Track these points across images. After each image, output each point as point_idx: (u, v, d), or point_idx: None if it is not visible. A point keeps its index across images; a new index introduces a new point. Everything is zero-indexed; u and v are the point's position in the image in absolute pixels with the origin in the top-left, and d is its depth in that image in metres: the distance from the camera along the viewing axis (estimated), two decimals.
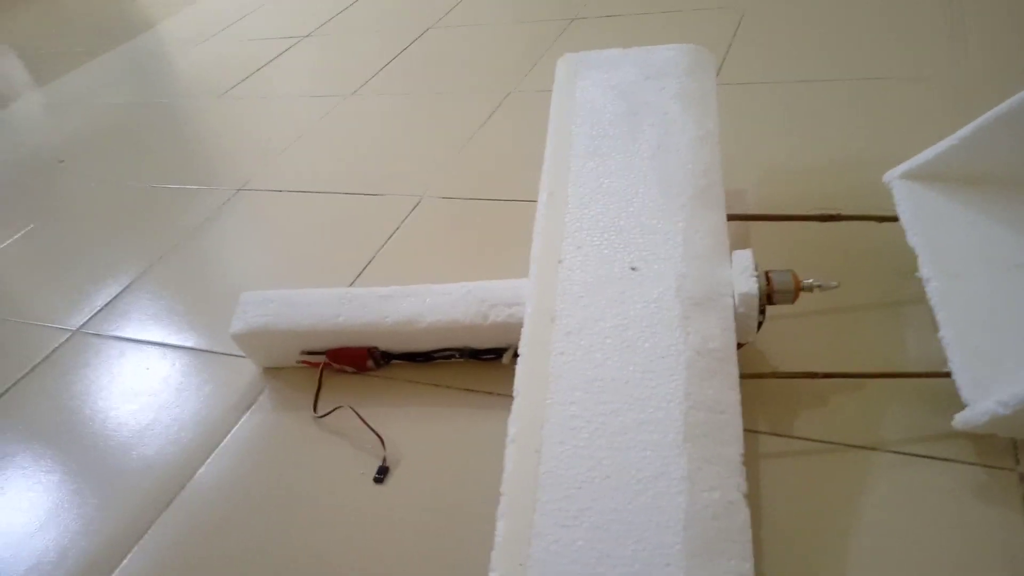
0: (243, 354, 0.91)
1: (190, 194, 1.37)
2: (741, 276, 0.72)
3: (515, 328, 0.74)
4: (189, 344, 0.99)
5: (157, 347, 1.00)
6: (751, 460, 0.67)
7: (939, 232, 0.75)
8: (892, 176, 0.83)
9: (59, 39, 2.56)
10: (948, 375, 0.65)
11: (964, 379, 0.63)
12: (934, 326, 0.68)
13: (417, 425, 0.79)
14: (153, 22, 2.43)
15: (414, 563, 0.66)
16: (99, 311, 1.10)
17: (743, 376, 0.66)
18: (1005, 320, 0.67)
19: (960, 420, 0.62)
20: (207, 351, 0.97)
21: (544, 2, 1.82)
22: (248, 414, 0.85)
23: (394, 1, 2.08)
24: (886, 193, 0.82)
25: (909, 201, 0.79)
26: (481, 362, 0.83)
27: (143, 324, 1.05)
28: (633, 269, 0.75)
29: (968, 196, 0.78)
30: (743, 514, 0.56)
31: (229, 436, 0.83)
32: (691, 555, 0.54)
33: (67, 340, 1.05)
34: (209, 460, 0.81)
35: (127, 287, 1.14)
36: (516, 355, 0.70)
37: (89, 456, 0.85)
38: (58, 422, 0.91)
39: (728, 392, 0.64)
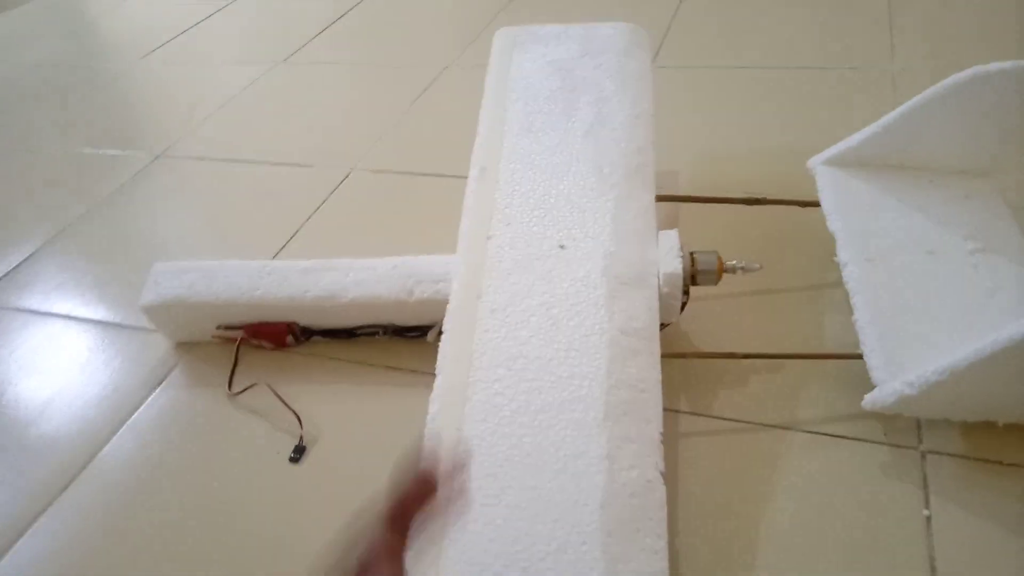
0: (154, 328, 0.86)
1: (105, 159, 1.29)
2: (666, 256, 0.72)
3: (441, 305, 0.73)
4: (97, 317, 0.94)
5: (62, 319, 0.94)
6: (671, 439, 0.68)
7: (859, 217, 0.76)
8: (815, 162, 0.84)
9: None
10: (861, 357, 0.66)
11: (875, 360, 0.65)
12: (851, 309, 0.69)
13: (337, 403, 0.77)
14: None
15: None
16: None
17: (665, 355, 0.66)
18: (917, 304, 0.69)
19: (869, 400, 0.63)
20: (117, 324, 0.92)
21: None
22: (158, 390, 0.81)
23: None
24: (811, 179, 0.83)
25: (831, 187, 0.80)
26: (405, 340, 0.81)
27: (47, 295, 0.99)
28: (561, 247, 0.74)
29: (889, 182, 0.80)
30: (660, 492, 0.57)
31: (137, 413, 0.79)
32: (608, 533, 0.54)
33: None
34: (115, 438, 0.77)
35: (31, 255, 1.07)
36: (441, 333, 0.69)
37: None
38: None
39: (650, 371, 0.65)
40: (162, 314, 0.83)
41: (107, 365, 0.86)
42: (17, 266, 1.05)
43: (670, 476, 0.59)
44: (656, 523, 0.55)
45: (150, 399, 0.81)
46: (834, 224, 0.76)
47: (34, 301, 0.98)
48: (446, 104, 1.30)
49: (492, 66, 0.98)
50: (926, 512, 0.59)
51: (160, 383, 0.82)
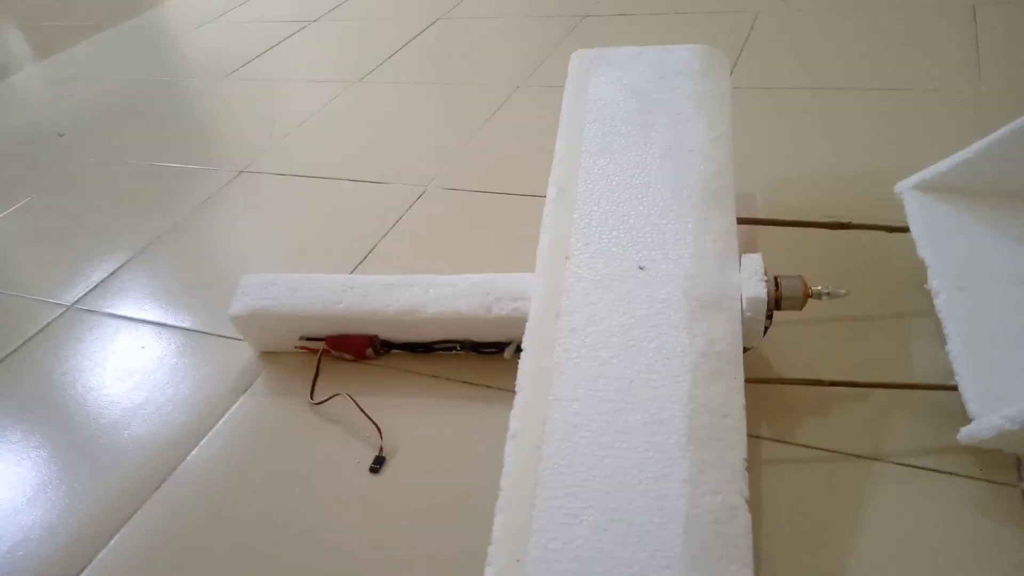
0: (241, 337, 0.90)
1: (191, 174, 1.35)
2: (750, 280, 0.71)
3: (518, 323, 0.74)
4: (185, 325, 0.98)
5: (153, 326, 0.99)
6: (753, 465, 0.66)
7: (949, 245, 0.74)
8: (904, 187, 0.82)
9: (64, 12, 2.54)
10: (955, 388, 0.64)
11: (971, 393, 0.63)
12: (942, 339, 0.67)
13: (415, 416, 0.78)
14: (159, 0, 2.41)
15: (408, 555, 0.65)
16: (95, 287, 1.08)
17: (748, 381, 0.65)
18: (1013, 335, 0.66)
19: (966, 434, 0.61)
20: (204, 332, 0.96)
21: None
22: (243, 398, 0.84)
23: None
24: (897, 204, 0.81)
25: (920, 212, 0.78)
26: (482, 356, 0.82)
27: (139, 302, 1.04)
28: (641, 268, 0.74)
29: (980, 209, 0.78)
30: (744, 519, 0.56)
31: (223, 419, 0.82)
32: (691, 558, 0.53)
33: (61, 315, 1.04)
34: (202, 443, 0.80)
35: (124, 264, 1.13)
36: (518, 350, 0.70)
37: (79, 433, 0.84)
38: (49, 398, 0.90)
39: (733, 396, 0.64)
40: (249, 324, 0.86)
41: (194, 371, 0.90)
42: (111, 274, 1.11)
43: (753, 504, 0.58)
44: (741, 551, 0.54)
45: (236, 405, 0.83)
46: (924, 251, 0.74)
47: (127, 308, 1.03)
48: (518, 124, 1.32)
49: (568, 88, 0.99)
50: None
51: (245, 391, 0.85)
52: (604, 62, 1.01)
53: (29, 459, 0.82)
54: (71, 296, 1.07)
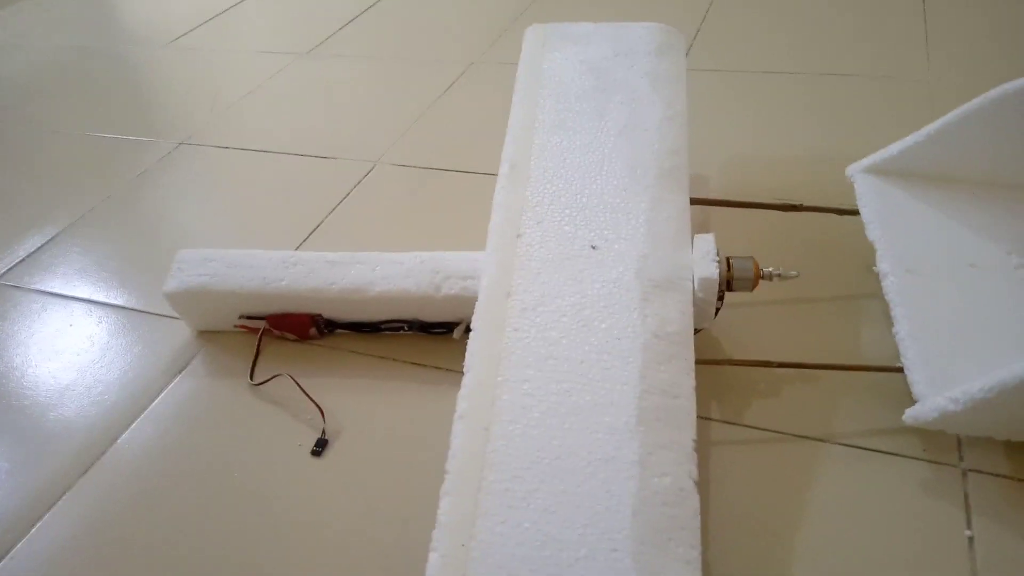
0: (177, 315, 0.85)
1: (128, 145, 1.29)
2: (702, 260, 0.71)
3: (468, 302, 0.72)
4: (119, 302, 0.93)
5: (83, 303, 0.94)
6: (703, 447, 0.66)
7: (899, 227, 0.75)
8: (855, 170, 0.83)
9: None
10: (901, 370, 0.65)
11: (916, 375, 0.63)
12: (890, 321, 0.68)
13: (360, 397, 0.75)
14: None
15: (351, 541, 0.63)
16: (20, 261, 1.02)
17: (699, 362, 0.64)
18: (959, 318, 0.67)
19: (910, 415, 0.62)
20: (138, 310, 0.91)
21: None
22: (179, 378, 0.80)
23: None
24: (848, 187, 0.82)
25: (870, 195, 0.79)
26: (430, 336, 0.80)
27: (69, 278, 0.98)
28: (593, 248, 0.73)
29: (930, 193, 0.78)
30: (693, 501, 0.55)
31: (157, 400, 0.78)
32: (639, 541, 0.52)
33: None
34: (134, 425, 0.76)
35: (53, 238, 1.06)
36: (468, 330, 0.68)
37: (2, 417, 0.79)
38: None
39: (683, 377, 0.63)
40: (185, 301, 0.82)
41: (128, 351, 0.85)
42: (39, 248, 1.05)
43: (701, 485, 0.57)
44: (689, 533, 0.54)
45: (171, 387, 0.80)
46: (874, 233, 0.74)
47: (55, 284, 0.98)
48: (471, 100, 1.29)
49: (523, 63, 0.97)
50: (968, 533, 0.58)
51: (181, 371, 0.81)
52: (560, 37, 0.99)
53: None
54: None
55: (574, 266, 0.71)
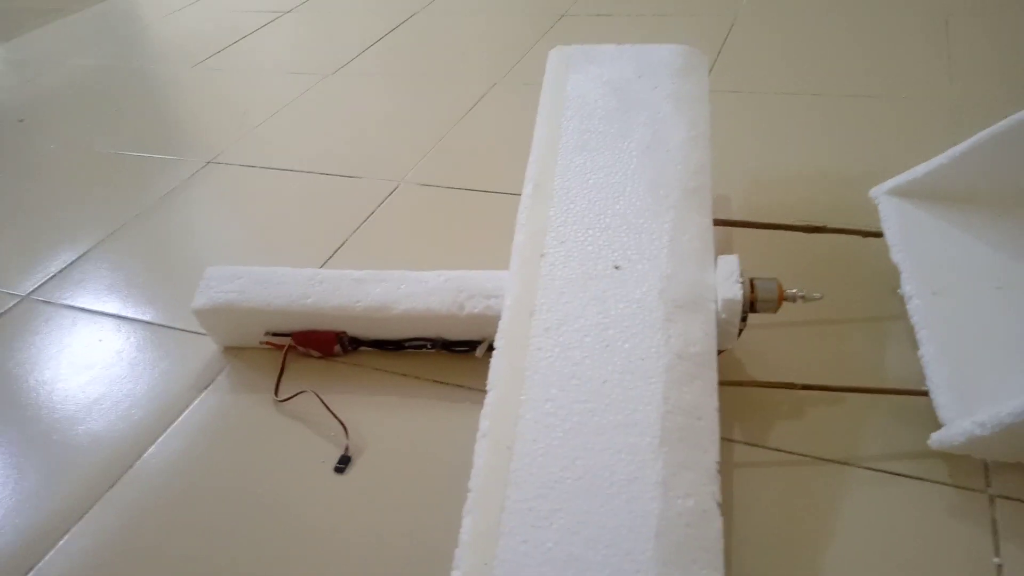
0: (204, 331, 0.87)
1: (158, 163, 1.32)
2: (725, 282, 0.71)
3: (491, 321, 0.72)
4: (147, 318, 0.95)
5: (112, 319, 0.95)
6: (726, 468, 0.66)
7: (923, 250, 0.74)
8: (878, 192, 0.82)
9: None
10: (926, 393, 0.64)
11: (942, 398, 0.63)
12: (914, 343, 0.67)
13: (383, 415, 0.76)
14: None
15: (373, 558, 0.63)
16: (52, 277, 1.05)
17: (722, 383, 0.64)
18: (985, 341, 0.66)
19: (936, 439, 0.61)
20: (166, 326, 0.93)
21: None
22: (205, 394, 0.82)
23: None
24: (872, 208, 0.82)
25: (894, 217, 0.78)
26: (453, 354, 0.81)
27: (99, 294, 1.00)
28: (616, 268, 0.73)
29: (953, 215, 0.78)
30: (716, 523, 0.55)
31: (183, 416, 0.79)
32: (662, 562, 0.52)
33: (15, 305, 1.00)
34: (160, 439, 0.77)
35: (84, 254, 1.09)
36: (490, 348, 0.68)
37: (32, 428, 0.81)
38: (1, 391, 0.86)
39: (707, 398, 0.63)
40: (212, 318, 0.84)
41: (155, 366, 0.86)
42: (70, 264, 1.07)
43: (724, 507, 0.57)
44: (712, 555, 0.53)
45: (197, 401, 0.81)
46: (898, 255, 0.74)
47: (86, 299, 1.00)
48: (494, 121, 1.30)
49: (547, 84, 0.98)
50: (997, 560, 0.57)
51: (207, 387, 0.82)
52: (584, 59, 1.00)
53: None
54: (27, 286, 1.03)
55: (597, 286, 0.71)
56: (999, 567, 0.56)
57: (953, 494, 0.62)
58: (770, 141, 1.13)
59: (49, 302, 1.00)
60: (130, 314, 0.96)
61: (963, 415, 0.60)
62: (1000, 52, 1.26)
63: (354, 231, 1.05)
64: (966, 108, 1.11)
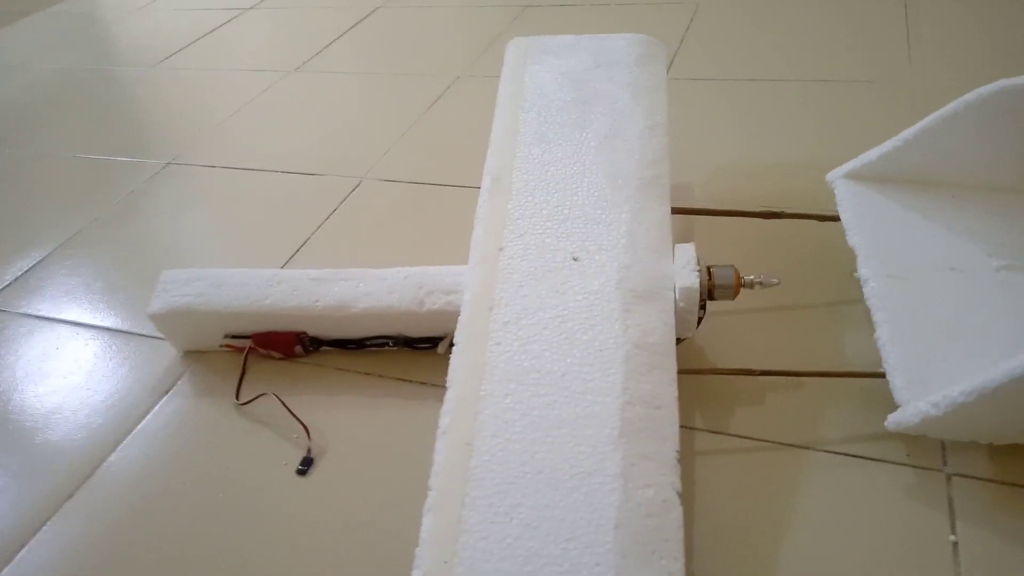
0: (162, 336, 0.85)
1: (116, 166, 1.29)
2: (683, 270, 0.71)
3: (452, 316, 0.72)
4: (105, 324, 0.93)
5: (69, 326, 0.94)
6: (687, 457, 0.66)
7: (879, 233, 0.75)
8: (835, 176, 0.83)
9: None
10: (883, 375, 0.65)
11: (898, 380, 0.63)
12: (872, 326, 0.68)
13: (345, 415, 0.75)
14: None
15: (337, 558, 0.63)
16: (7, 285, 1.02)
17: (681, 372, 0.64)
18: (940, 322, 0.67)
19: (892, 421, 0.62)
20: (124, 332, 0.91)
21: None
22: (165, 399, 0.80)
23: None
24: (829, 193, 0.82)
25: (850, 201, 0.79)
26: (416, 351, 0.80)
27: (55, 301, 0.98)
28: (575, 259, 0.73)
29: (909, 198, 0.79)
30: (676, 513, 0.55)
31: (144, 422, 0.78)
32: (623, 554, 0.52)
33: None
34: (120, 447, 0.76)
35: (40, 261, 1.07)
36: (452, 345, 0.68)
37: None
38: None
39: (666, 387, 0.63)
40: (170, 322, 0.82)
41: (114, 373, 0.85)
42: (27, 271, 1.05)
43: (686, 496, 0.57)
44: (673, 545, 0.53)
45: (157, 407, 0.79)
46: (854, 239, 0.74)
47: (42, 307, 0.98)
48: (457, 114, 1.29)
49: (504, 76, 0.97)
50: (952, 538, 0.57)
51: (167, 392, 0.81)
52: (541, 50, 1.00)
53: None
54: None
55: (556, 278, 0.71)
56: (955, 544, 0.57)
57: (911, 474, 0.63)
58: (731, 128, 1.13)
59: (5, 310, 0.98)
60: (88, 320, 0.94)
61: (919, 396, 0.61)
62: (959, 34, 1.27)
63: (316, 229, 1.04)
64: (925, 91, 1.12)
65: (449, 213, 1.03)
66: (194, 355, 0.85)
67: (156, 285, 0.83)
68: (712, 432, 0.69)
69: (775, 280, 0.72)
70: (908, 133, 0.78)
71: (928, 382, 0.62)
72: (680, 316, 0.69)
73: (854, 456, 0.65)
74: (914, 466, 0.63)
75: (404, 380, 0.78)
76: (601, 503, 0.55)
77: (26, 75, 1.74)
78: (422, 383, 0.78)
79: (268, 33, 1.78)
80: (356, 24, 1.71)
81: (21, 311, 0.97)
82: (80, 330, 0.93)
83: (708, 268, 0.72)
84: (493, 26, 1.58)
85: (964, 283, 0.71)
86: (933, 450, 0.64)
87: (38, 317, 0.96)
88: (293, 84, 1.49)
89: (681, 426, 0.60)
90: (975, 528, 0.58)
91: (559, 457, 0.58)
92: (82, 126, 1.47)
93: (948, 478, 0.62)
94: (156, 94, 1.57)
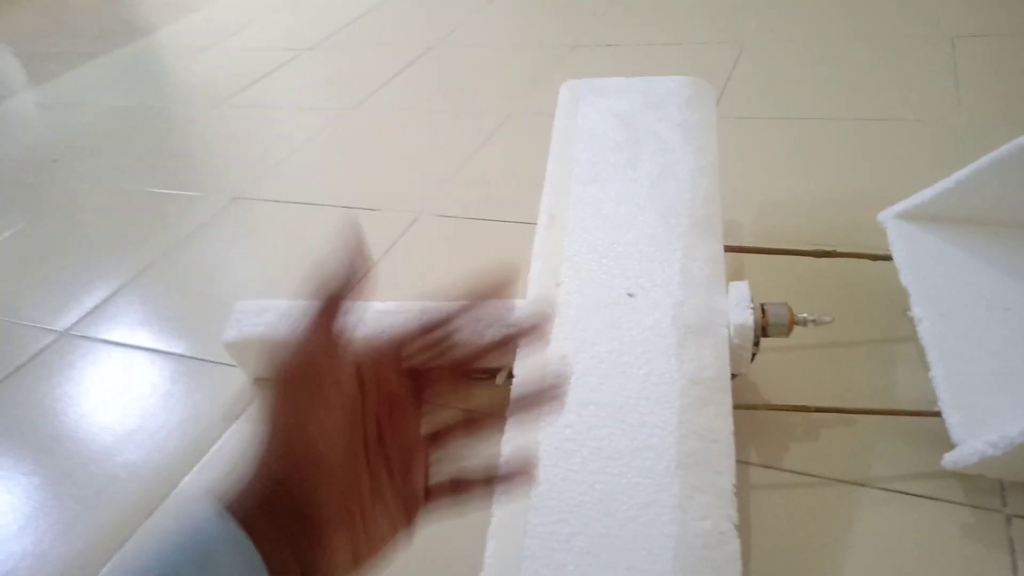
0: (234, 363, 0.90)
1: (184, 200, 1.36)
2: (737, 307, 0.72)
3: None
4: (179, 351, 0.98)
5: (146, 352, 0.99)
6: (742, 491, 0.67)
7: (932, 272, 0.76)
8: (887, 216, 0.84)
9: (58, 39, 2.56)
10: (938, 414, 0.65)
11: (954, 418, 0.64)
12: (925, 365, 0.68)
13: None
14: (153, 27, 2.44)
15: None
16: (88, 313, 1.09)
17: (736, 407, 0.66)
18: (995, 361, 0.67)
19: (949, 460, 0.62)
20: (197, 359, 0.96)
21: (546, 27, 1.85)
22: (237, 424, 0.85)
23: (397, 18, 2.10)
24: (880, 232, 0.83)
25: (903, 240, 0.80)
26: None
27: (132, 328, 1.04)
28: (630, 295, 0.75)
29: (961, 237, 0.79)
30: (733, 545, 0.56)
31: (216, 445, 0.82)
32: None
33: (54, 341, 1.04)
34: (195, 469, 0.80)
35: (117, 291, 1.13)
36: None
37: (71, 460, 0.84)
38: (41, 424, 0.90)
39: (721, 421, 0.65)
40: (243, 350, 0.87)
41: (188, 398, 0.90)
42: (104, 300, 1.11)
43: (741, 529, 0.58)
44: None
45: (229, 432, 0.84)
46: (907, 278, 0.75)
47: (119, 334, 1.03)
48: (509, 151, 1.34)
49: (559, 117, 1.01)
50: None
51: (239, 417, 0.85)
52: (593, 92, 1.04)
53: (20, 486, 0.82)
54: (64, 322, 1.07)
55: (611, 313, 0.74)
56: None
57: (968, 514, 0.63)
58: (780, 167, 1.15)
59: (85, 337, 1.04)
60: (163, 347, 0.99)
61: (975, 435, 0.61)
62: (1006, 74, 1.27)
63: (375, 263, 1.08)
64: (973, 131, 1.13)
65: (504, 249, 1.07)
66: (265, 382, 0.90)
67: (230, 315, 0.88)
68: (766, 467, 0.70)
69: (828, 318, 0.74)
70: (961, 174, 0.79)
71: (984, 421, 0.63)
72: (734, 352, 0.71)
73: (909, 494, 0.65)
74: (972, 506, 0.63)
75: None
76: (659, 533, 0.56)
77: (98, 113, 1.85)
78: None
79: (326, 73, 1.86)
80: (410, 64, 1.78)
81: (100, 337, 1.03)
82: (155, 356, 0.98)
83: (762, 306, 0.73)
84: (542, 65, 1.63)
85: (1016, 322, 0.71)
86: (991, 490, 0.64)
87: (116, 344, 1.02)
88: (350, 122, 1.56)
89: (736, 460, 0.61)
90: None
91: (617, 488, 0.60)
92: (151, 162, 1.55)
93: (1008, 519, 0.62)
94: (219, 132, 1.65)
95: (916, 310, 0.72)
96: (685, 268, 0.77)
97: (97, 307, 1.10)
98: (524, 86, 1.55)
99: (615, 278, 0.77)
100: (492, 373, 0.82)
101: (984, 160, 0.78)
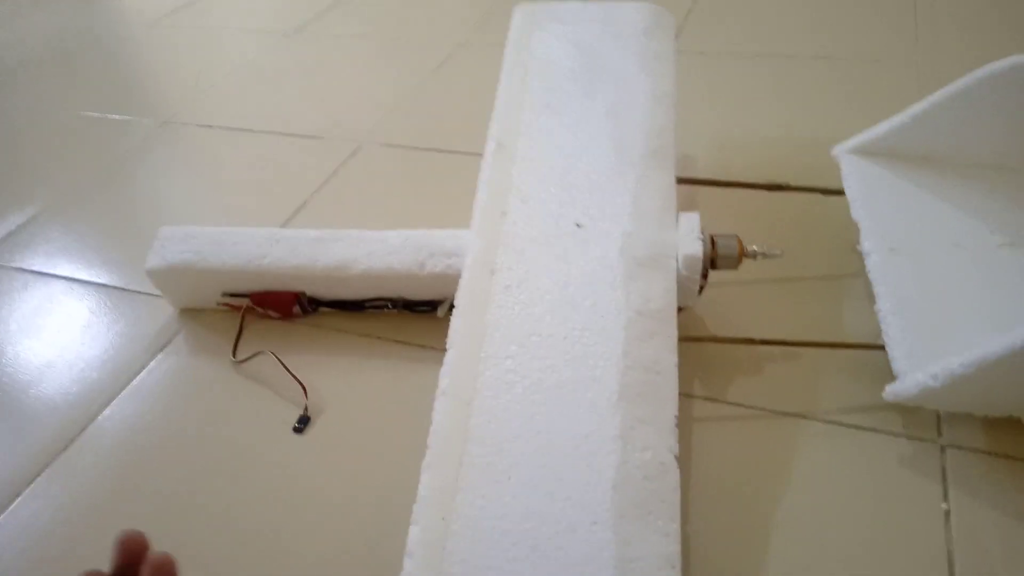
0: (159, 293, 0.85)
1: (112, 124, 1.27)
2: (686, 238, 0.70)
3: (452, 280, 0.71)
4: (100, 280, 0.92)
5: (64, 281, 0.93)
6: (685, 423, 0.66)
7: (883, 207, 0.75)
8: (840, 150, 0.83)
9: None
10: (882, 347, 0.65)
11: (897, 351, 0.63)
12: (873, 299, 0.68)
13: (343, 375, 0.75)
14: None
15: (333, 516, 0.63)
16: (0, 240, 1.01)
17: (681, 339, 0.64)
18: (941, 297, 0.67)
19: (891, 392, 0.62)
20: (120, 288, 0.90)
21: None
22: (161, 356, 0.80)
23: None
24: (835, 168, 0.82)
25: (855, 175, 0.79)
26: (415, 314, 0.80)
27: (50, 256, 0.97)
28: (578, 226, 0.72)
29: (914, 174, 0.79)
30: (673, 475, 0.55)
31: (139, 378, 0.78)
32: (620, 515, 0.52)
33: None
34: (115, 402, 0.75)
35: (34, 217, 1.05)
36: (452, 308, 0.67)
37: None
38: None
39: (666, 354, 0.63)
40: (167, 279, 0.82)
41: (109, 329, 0.84)
42: (19, 227, 1.03)
43: (683, 461, 0.57)
44: (669, 506, 0.54)
45: (152, 364, 0.79)
46: (858, 212, 0.74)
47: (36, 262, 0.96)
48: (460, 81, 1.28)
49: (510, 42, 0.96)
50: (944, 506, 0.58)
51: (163, 348, 0.81)
52: (548, 16, 0.99)
53: None
54: None
55: (559, 244, 0.71)
56: (947, 513, 0.58)
57: (906, 444, 0.63)
58: (737, 102, 1.12)
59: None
60: (83, 276, 0.93)
61: (917, 368, 0.61)
62: (968, 11, 1.26)
63: (314, 192, 1.03)
64: (932, 68, 1.12)
65: (449, 179, 1.02)
66: (191, 313, 0.85)
67: (154, 241, 0.82)
68: (710, 400, 0.69)
69: (777, 251, 0.72)
70: (916, 109, 0.77)
71: (927, 354, 0.62)
72: (682, 284, 0.69)
73: (850, 426, 0.65)
74: (910, 437, 0.64)
75: (403, 342, 0.78)
76: (599, 464, 0.55)
77: (21, 33, 1.71)
78: (421, 346, 0.77)
79: None
80: None
81: (15, 265, 0.96)
82: (75, 286, 0.92)
83: (711, 237, 0.71)
84: None
85: (966, 259, 0.71)
86: (929, 422, 0.64)
87: (32, 272, 0.95)
88: (292, 46, 1.47)
89: (680, 393, 0.60)
90: (967, 498, 0.59)
91: (558, 419, 0.58)
92: (76, 85, 1.44)
93: (943, 449, 0.62)
94: (151, 54, 1.55)
95: (865, 244, 0.71)
96: (636, 199, 0.74)
97: (11, 234, 1.02)
98: (476, 14, 1.48)
99: (564, 208, 0.74)
100: (434, 305, 0.80)
101: (938, 95, 0.76)
